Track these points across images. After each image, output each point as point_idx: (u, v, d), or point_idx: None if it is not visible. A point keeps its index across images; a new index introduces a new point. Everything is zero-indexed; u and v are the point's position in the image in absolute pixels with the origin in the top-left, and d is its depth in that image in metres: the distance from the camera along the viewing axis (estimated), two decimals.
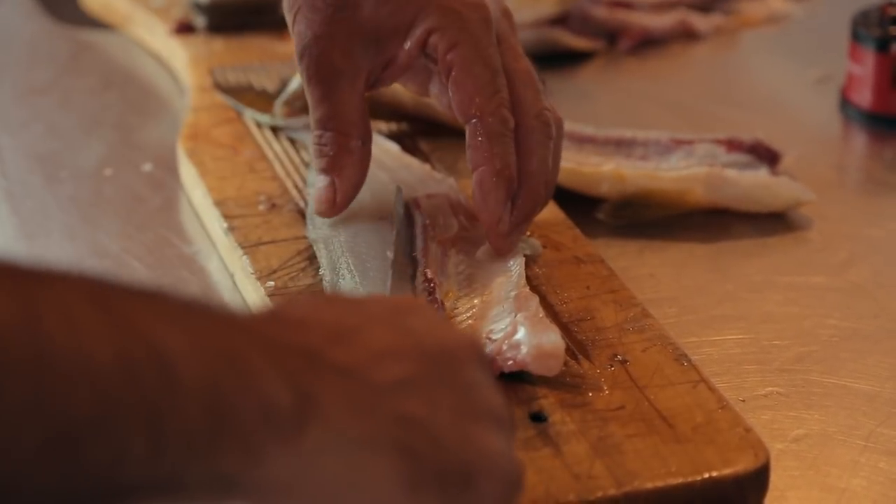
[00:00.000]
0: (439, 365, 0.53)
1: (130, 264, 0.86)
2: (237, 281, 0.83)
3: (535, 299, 0.73)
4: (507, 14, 0.79)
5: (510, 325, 0.71)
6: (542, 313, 0.72)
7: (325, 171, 0.78)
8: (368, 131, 0.78)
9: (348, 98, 0.77)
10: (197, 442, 0.46)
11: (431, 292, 0.73)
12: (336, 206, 0.79)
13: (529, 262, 0.79)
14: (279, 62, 1.04)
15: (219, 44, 1.09)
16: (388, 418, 0.50)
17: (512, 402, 0.69)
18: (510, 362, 0.69)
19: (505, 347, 0.70)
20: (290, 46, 1.08)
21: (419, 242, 0.78)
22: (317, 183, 0.79)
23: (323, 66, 0.77)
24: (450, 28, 0.75)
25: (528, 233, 0.81)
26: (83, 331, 0.44)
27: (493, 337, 0.71)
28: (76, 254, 0.87)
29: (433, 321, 0.56)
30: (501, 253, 0.77)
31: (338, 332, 0.51)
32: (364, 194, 0.82)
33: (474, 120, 0.75)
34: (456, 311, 0.74)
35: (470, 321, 0.73)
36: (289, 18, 0.78)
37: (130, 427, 0.44)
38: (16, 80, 1.12)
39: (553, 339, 0.69)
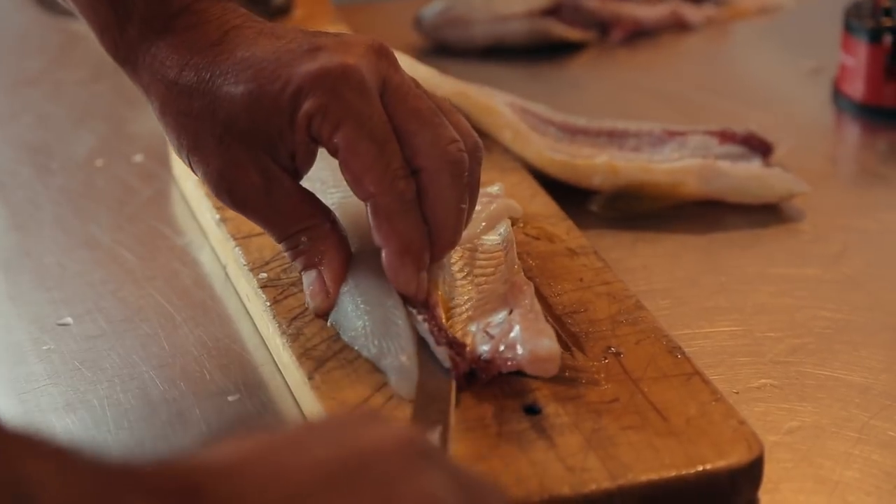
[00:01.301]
0: (343, 471, 0.49)
1: (122, 255, 0.86)
2: (229, 272, 0.83)
3: (531, 289, 0.73)
4: (383, 54, 0.73)
5: (506, 321, 0.71)
6: (537, 306, 0.72)
7: (306, 267, 0.75)
8: (325, 209, 0.75)
9: (285, 202, 0.74)
10: None
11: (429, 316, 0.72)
12: (330, 296, 0.74)
13: (522, 254, 0.79)
14: None
15: None
16: None
17: (505, 394, 0.69)
18: (508, 363, 0.69)
19: (502, 348, 0.70)
20: None
21: None
22: (304, 282, 0.75)
23: (247, 191, 0.73)
24: (328, 108, 0.71)
25: (499, 190, 0.81)
26: None
27: (491, 331, 0.71)
28: (67, 245, 0.87)
29: (358, 428, 0.52)
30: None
31: (229, 464, 0.49)
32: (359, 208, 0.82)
33: (371, 200, 0.72)
34: (453, 301, 0.74)
35: (468, 313, 0.73)
36: (186, 163, 0.75)
37: None
38: (6, 71, 1.11)
39: (547, 344, 0.69)
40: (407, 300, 0.73)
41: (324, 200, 0.81)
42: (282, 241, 0.75)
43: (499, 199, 0.81)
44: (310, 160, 0.74)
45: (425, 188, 0.72)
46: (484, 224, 0.79)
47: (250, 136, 0.72)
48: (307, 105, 0.71)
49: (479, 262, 0.77)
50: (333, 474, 0.49)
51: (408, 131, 0.72)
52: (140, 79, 0.75)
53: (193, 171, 0.75)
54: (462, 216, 0.73)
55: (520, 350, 0.69)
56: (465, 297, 0.74)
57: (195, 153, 0.73)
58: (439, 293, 0.74)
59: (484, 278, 0.75)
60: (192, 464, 0.50)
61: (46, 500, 0.44)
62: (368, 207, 0.72)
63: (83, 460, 0.47)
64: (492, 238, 0.78)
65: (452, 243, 0.74)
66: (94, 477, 0.46)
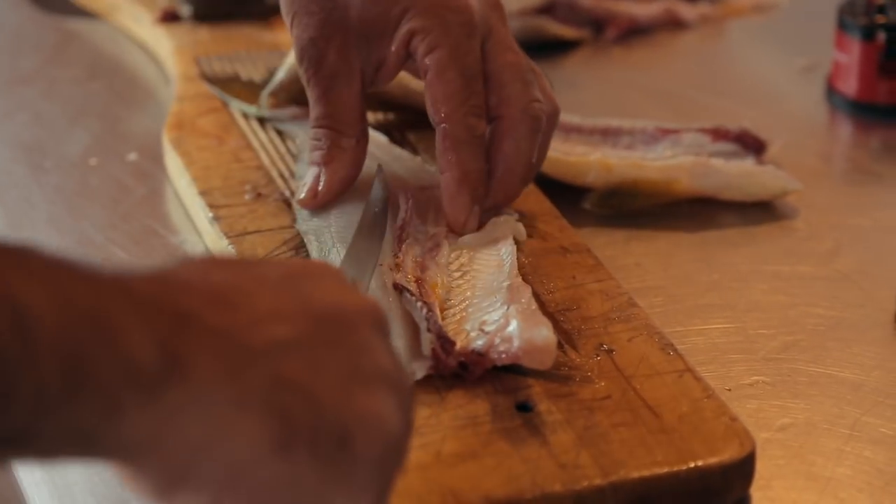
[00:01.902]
0: (327, 327, 0.53)
1: (115, 254, 0.86)
2: None
3: (528, 290, 0.73)
4: (495, 6, 0.80)
5: (503, 317, 0.71)
6: (534, 305, 0.72)
7: (315, 163, 0.80)
8: (364, 131, 0.81)
9: (345, 98, 0.79)
10: (52, 398, 0.45)
11: (413, 292, 0.73)
12: (318, 198, 0.80)
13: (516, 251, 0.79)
14: (265, 51, 1.04)
15: (204, 33, 1.08)
16: (261, 379, 0.50)
17: (497, 391, 0.69)
18: (502, 356, 0.69)
19: (497, 341, 0.70)
20: (275, 35, 1.08)
21: (396, 231, 0.78)
22: (306, 175, 0.81)
23: (320, 67, 0.79)
24: (431, 31, 0.77)
25: (516, 217, 0.81)
26: None
27: (486, 329, 0.71)
28: (61, 244, 0.87)
29: (331, 284, 0.55)
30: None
31: (220, 295, 0.51)
32: (355, 184, 0.82)
33: (443, 125, 0.77)
34: (449, 302, 0.74)
35: (463, 313, 0.73)
36: (287, 22, 0.80)
37: None
38: (1, 70, 1.11)
39: (545, 333, 0.69)
40: (407, 288, 0.73)
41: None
42: (314, 126, 0.80)
43: (510, 220, 0.80)
44: (393, 73, 0.80)
45: (502, 134, 0.78)
46: (489, 235, 0.79)
47: (354, 26, 0.78)
48: (413, 22, 0.77)
49: (476, 267, 0.77)
50: (320, 327, 0.53)
51: (499, 80, 0.78)
52: None
53: (290, 30, 0.80)
54: (529, 170, 0.79)
55: (516, 342, 0.69)
56: (460, 298, 0.74)
57: (301, 17, 0.79)
58: (437, 291, 0.74)
59: (481, 283, 0.75)
60: (182, 282, 0.52)
61: (39, 320, 0.45)
62: (437, 133, 0.78)
63: (75, 273, 0.47)
64: (493, 249, 0.78)
65: (515, 193, 0.80)
66: (86, 291, 0.47)
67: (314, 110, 0.80)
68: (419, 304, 0.71)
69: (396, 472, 0.55)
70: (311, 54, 0.79)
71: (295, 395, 0.51)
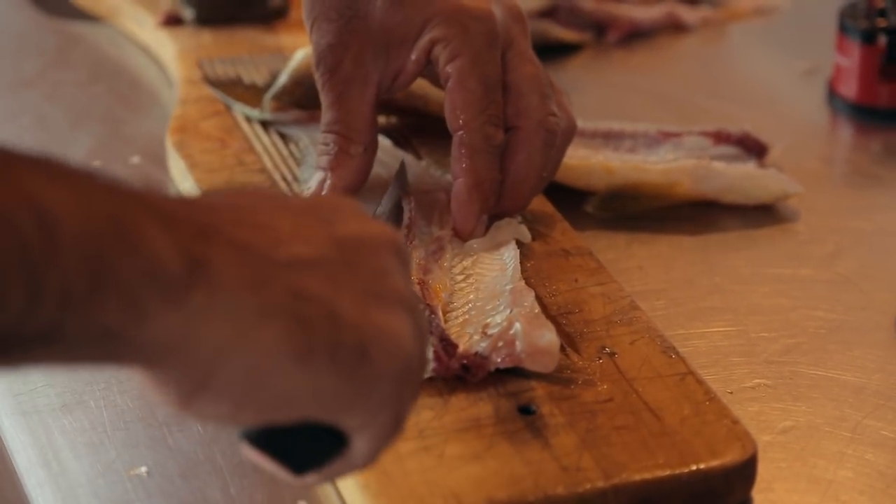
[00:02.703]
0: (348, 249, 0.54)
1: None
2: None
3: (532, 294, 0.73)
4: (517, 18, 0.81)
5: (506, 320, 0.71)
6: (537, 309, 0.72)
7: (321, 168, 0.81)
8: (374, 140, 0.81)
9: (357, 105, 0.80)
10: (77, 296, 0.47)
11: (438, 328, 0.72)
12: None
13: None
14: (267, 54, 1.04)
15: (207, 36, 1.08)
16: (282, 290, 0.51)
17: (500, 394, 0.69)
18: (505, 359, 0.69)
19: (500, 344, 0.70)
20: (278, 39, 1.08)
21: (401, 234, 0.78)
22: (310, 179, 0.81)
23: (335, 73, 0.80)
24: (453, 40, 0.78)
25: (519, 220, 0.81)
26: None
27: (489, 332, 0.71)
28: None
29: (353, 214, 0.56)
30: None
31: (244, 216, 0.53)
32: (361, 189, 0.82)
33: (460, 132, 0.78)
34: (451, 305, 0.74)
35: (466, 316, 0.73)
36: (307, 26, 0.81)
37: (5, 277, 0.45)
38: (4, 73, 1.11)
39: (548, 337, 0.69)
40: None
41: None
42: (324, 131, 0.81)
43: (513, 222, 0.81)
44: (410, 81, 0.81)
45: (516, 145, 0.79)
46: (493, 238, 0.79)
47: (374, 33, 0.79)
48: (436, 31, 0.78)
49: (479, 270, 0.77)
50: (339, 250, 0.54)
51: (517, 91, 0.79)
52: None
53: (310, 36, 0.81)
54: (540, 183, 0.80)
55: (518, 345, 0.69)
56: (463, 301, 0.74)
57: (320, 23, 0.80)
58: (440, 295, 0.74)
59: (484, 286, 0.75)
60: (206, 203, 0.53)
61: (65, 222, 0.46)
62: (454, 140, 0.79)
63: (99, 183, 0.48)
64: (496, 252, 0.78)
65: (524, 204, 0.81)
66: (110, 200, 0.48)
67: (325, 115, 0.81)
68: (421, 306, 0.71)
69: (413, 396, 0.55)
70: (328, 60, 0.80)
71: (315, 307, 0.52)
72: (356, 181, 0.81)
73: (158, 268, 0.48)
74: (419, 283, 0.74)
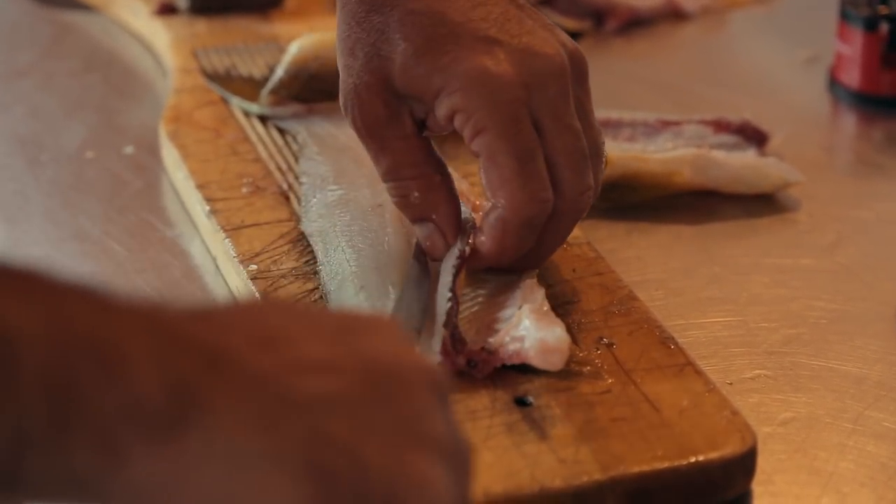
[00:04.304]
0: (380, 385, 0.48)
1: (112, 248, 0.85)
2: (219, 264, 0.82)
3: (542, 291, 0.72)
4: (558, 74, 0.70)
5: (514, 316, 0.70)
6: (547, 306, 0.71)
7: (419, 219, 0.73)
8: (440, 162, 0.74)
9: (404, 143, 0.72)
10: (38, 434, 0.41)
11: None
12: (448, 244, 0.73)
13: None
14: (263, 44, 1.04)
15: (201, 25, 1.08)
16: (301, 433, 0.45)
17: (497, 385, 0.68)
18: (512, 355, 0.69)
19: (508, 339, 0.69)
20: (273, 28, 1.08)
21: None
22: (417, 231, 0.74)
23: (368, 116, 0.72)
24: (475, 112, 0.69)
25: None
26: None
27: (497, 327, 0.70)
28: (57, 237, 0.87)
29: (389, 342, 0.51)
30: None
31: (264, 337, 0.47)
32: (360, 180, 0.81)
33: (499, 208, 0.70)
34: (462, 297, 0.73)
35: (475, 309, 0.72)
36: (339, 61, 0.74)
37: None
38: None
39: (557, 334, 0.69)
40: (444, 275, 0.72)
41: (324, 198, 0.80)
42: (388, 179, 0.73)
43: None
44: (440, 132, 0.73)
45: (547, 222, 0.71)
46: None
47: (395, 79, 0.71)
48: (455, 99, 0.69)
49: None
50: (370, 384, 0.48)
51: (553, 163, 0.70)
52: None
53: (339, 71, 0.73)
54: (549, 255, 0.75)
55: (527, 341, 0.68)
56: (473, 294, 0.73)
57: (344, 58, 0.72)
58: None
59: (495, 280, 0.74)
60: (225, 320, 0.47)
61: (28, 347, 0.41)
62: (492, 209, 0.71)
63: (86, 301, 0.43)
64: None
65: (536, 267, 0.74)
66: (95, 320, 0.42)
67: (380, 165, 0.73)
68: (450, 294, 0.70)
69: None
70: (356, 103, 0.72)
71: (338, 454, 0.46)
72: (457, 203, 0.73)
73: (139, 402, 0.42)
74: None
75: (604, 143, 0.74)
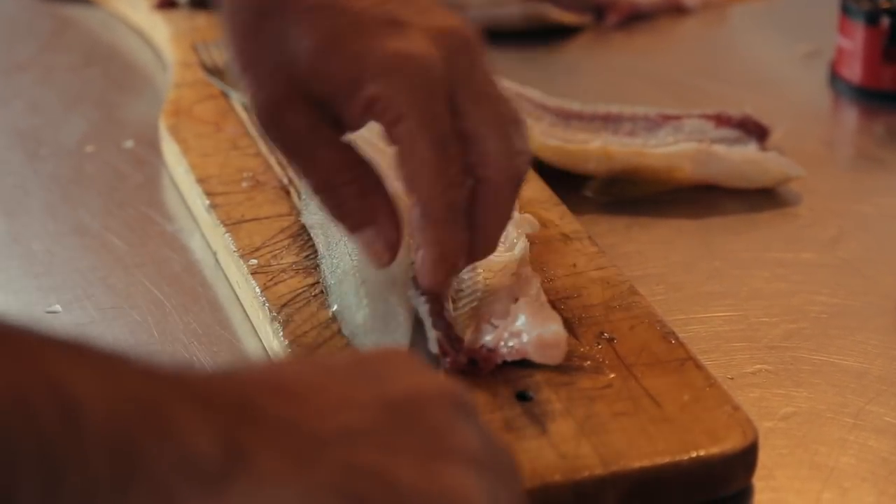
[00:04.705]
0: (401, 411, 0.50)
1: (111, 242, 0.85)
2: (220, 259, 0.82)
3: (537, 281, 0.72)
4: (465, 43, 0.68)
5: (511, 311, 0.70)
6: (543, 297, 0.71)
7: (358, 226, 0.70)
8: (370, 163, 0.70)
9: (331, 149, 0.69)
10: (102, 488, 0.43)
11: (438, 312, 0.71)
12: (394, 248, 0.70)
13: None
14: None
15: (201, 19, 1.07)
16: (333, 468, 0.47)
17: (497, 380, 0.68)
18: (512, 351, 0.68)
19: (506, 336, 0.69)
20: None
21: None
22: (359, 241, 0.71)
23: (289, 129, 0.68)
24: (394, 98, 0.66)
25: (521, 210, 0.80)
26: None
27: (494, 322, 0.70)
28: (56, 231, 0.87)
29: (405, 371, 0.52)
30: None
31: (286, 387, 0.49)
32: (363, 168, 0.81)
33: (419, 202, 0.68)
34: (460, 293, 0.73)
35: (473, 304, 0.72)
36: (238, 77, 0.70)
37: (21, 469, 0.41)
38: None
39: (554, 329, 0.68)
40: (414, 282, 0.71)
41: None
42: (318, 192, 0.69)
43: (523, 217, 0.79)
44: (357, 127, 0.69)
45: (482, 197, 0.68)
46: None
47: (307, 81, 0.67)
48: (371, 89, 0.66)
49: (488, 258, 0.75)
50: (390, 413, 0.50)
51: (476, 138, 0.68)
52: None
53: (244, 90, 0.69)
54: (505, 228, 0.71)
55: (525, 337, 0.68)
56: (471, 290, 0.73)
57: (249, 72, 0.68)
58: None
59: (491, 273, 0.74)
60: (245, 378, 0.50)
61: (90, 410, 0.43)
62: (413, 210, 0.68)
63: (130, 367, 0.46)
64: (504, 242, 0.77)
65: (491, 252, 0.71)
66: (141, 384, 0.45)
67: (307, 182, 0.70)
68: (423, 299, 0.70)
69: None
70: (272, 120, 0.68)
71: (371, 480, 0.48)
72: (394, 210, 0.70)
73: (193, 457, 0.45)
74: None
75: (517, 109, 0.70)
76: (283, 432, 0.47)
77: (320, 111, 0.68)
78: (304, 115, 0.68)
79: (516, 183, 0.69)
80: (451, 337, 0.69)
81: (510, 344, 0.69)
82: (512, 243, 0.76)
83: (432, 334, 0.69)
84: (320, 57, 0.67)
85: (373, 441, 0.49)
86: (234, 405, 0.47)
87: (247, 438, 0.46)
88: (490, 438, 0.52)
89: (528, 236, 0.79)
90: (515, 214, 0.78)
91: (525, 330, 0.69)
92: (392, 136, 0.67)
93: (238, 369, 0.51)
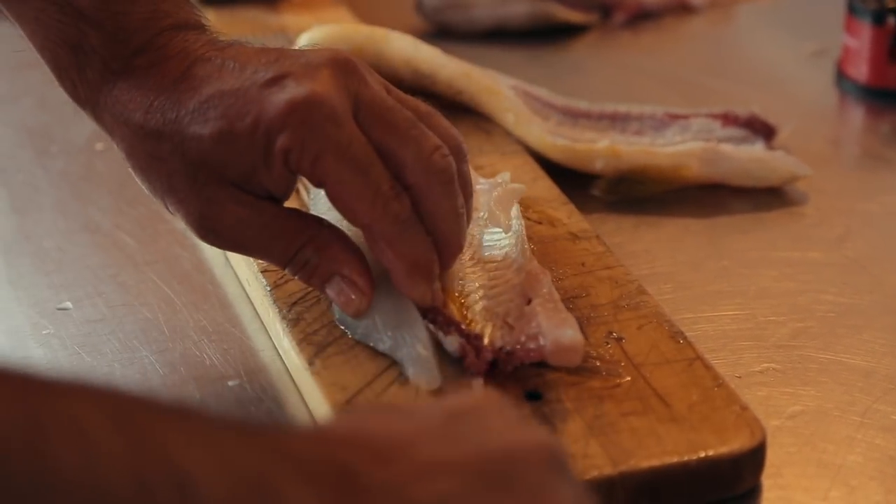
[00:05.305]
0: (495, 473, 0.50)
1: (122, 239, 0.86)
2: (229, 256, 0.82)
3: (547, 278, 0.72)
4: (349, 69, 0.69)
5: (526, 312, 0.70)
6: (556, 295, 0.71)
7: (325, 279, 0.71)
8: (318, 219, 0.72)
9: (276, 225, 0.70)
10: None
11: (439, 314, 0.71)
12: (366, 294, 0.71)
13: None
14: (271, 35, 1.04)
15: (210, 16, 1.07)
16: None
17: (507, 379, 0.68)
18: (531, 354, 0.69)
19: (524, 338, 0.69)
20: (281, 18, 1.07)
21: None
22: (329, 293, 0.71)
23: (229, 232, 0.70)
24: (305, 142, 0.67)
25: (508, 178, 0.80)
26: (94, 447, 0.42)
27: (511, 322, 0.70)
28: (67, 229, 0.87)
29: (497, 423, 0.52)
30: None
31: (382, 448, 0.49)
32: None
33: (368, 229, 0.69)
34: (465, 289, 0.73)
35: (483, 302, 0.72)
36: (161, 204, 0.72)
37: None
38: (6, 54, 1.10)
39: (570, 334, 0.69)
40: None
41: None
42: (286, 264, 0.71)
43: (501, 185, 0.80)
44: (288, 191, 0.70)
45: (419, 202, 0.69)
46: (487, 214, 0.78)
47: (224, 173, 0.69)
48: (281, 141, 0.67)
49: (486, 247, 0.76)
50: (486, 475, 0.49)
51: (389, 148, 0.68)
52: (103, 121, 0.73)
53: (172, 213, 0.71)
54: (462, 220, 0.71)
55: (542, 341, 0.69)
56: (477, 285, 0.73)
57: (170, 196, 0.70)
58: (454, 284, 0.73)
59: (494, 264, 0.74)
60: (337, 439, 0.50)
61: (206, 492, 0.44)
62: (365, 235, 0.69)
63: (235, 440, 0.46)
64: (497, 226, 0.77)
65: (459, 249, 0.72)
66: (247, 457, 0.46)
67: (273, 260, 0.72)
68: (430, 317, 0.71)
69: None
70: (212, 225, 0.70)
71: None
72: (357, 249, 0.71)
73: None
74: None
75: (418, 103, 0.72)
76: (383, 498, 0.47)
77: (250, 192, 0.69)
78: (239, 204, 0.69)
79: (445, 178, 0.69)
80: (470, 339, 0.69)
81: (529, 346, 0.69)
82: (507, 225, 0.76)
83: (448, 341, 0.69)
84: (223, 148, 0.68)
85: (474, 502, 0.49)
86: (334, 472, 0.47)
87: None
88: (583, 493, 0.52)
89: (534, 236, 0.79)
90: (491, 187, 0.78)
91: (541, 332, 0.69)
92: (316, 177, 0.68)
93: (332, 427, 0.51)
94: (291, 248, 0.70)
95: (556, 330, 0.69)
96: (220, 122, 0.69)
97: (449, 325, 0.70)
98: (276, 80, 0.68)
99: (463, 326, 0.70)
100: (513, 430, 0.52)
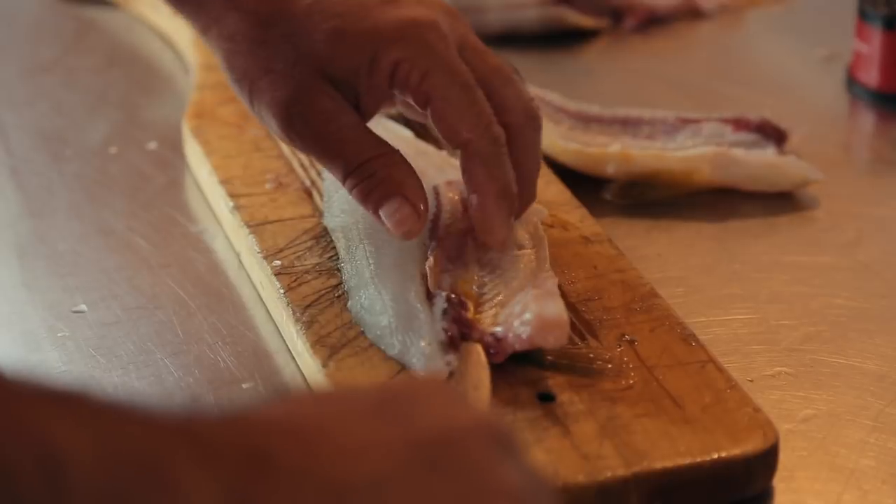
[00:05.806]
0: (432, 452, 0.46)
1: (136, 243, 0.86)
2: (243, 260, 0.83)
3: (555, 280, 0.73)
4: (453, 15, 0.75)
5: (520, 303, 0.70)
6: (556, 290, 0.71)
7: (384, 198, 0.73)
8: (390, 144, 0.74)
9: (356, 130, 0.74)
10: None
11: (456, 308, 0.71)
12: (421, 217, 0.73)
13: None
14: None
15: None
16: None
17: (519, 381, 0.69)
18: (521, 337, 0.69)
19: (516, 324, 0.69)
20: None
21: (436, 235, 0.77)
22: (384, 212, 0.73)
23: (317, 117, 0.73)
24: (417, 57, 0.72)
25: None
26: None
27: (508, 314, 0.71)
28: (82, 232, 0.87)
29: (436, 403, 0.49)
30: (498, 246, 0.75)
31: (305, 430, 0.46)
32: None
33: (468, 145, 0.72)
34: (483, 297, 0.73)
35: (497, 307, 0.72)
36: (244, 91, 0.74)
37: None
38: (21, 58, 1.11)
39: (553, 308, 0.69)
40: (431, 295, 0.72)
41: (346, 193, 0.79)
42: (350, 173, 0.73)
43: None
44: (377, 107, 0.75)
45: (512, 141, 0.74)
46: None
47: (326, 68, 0.73)
48: (395, 53, 0.72)
49: (507, 259, 0.76)
50: (415, 455, 0.46)
51: (492, 86, 0.74)
52: (208, 11, 0.76)
53: (253, 102, 0.74)
54: (538, 173, 0.76)
55: (527, 316, 0.69)
56: (494, 293, 0.73)
57: (266, 76, 0.73)
58: (472, 290, 0.74)
59: (513, 273, 0.74)
60: (257, 421, 0.46)
61: (79, 474, 0.40)
62: (461, 154, 0.73)
63: (130, 419, 0.43)
64: (521, 237, 0.77)
65: (533, 197, 0.76)
66: (140, 437, 0.42)
67: (338, 165, 0.73)
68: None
69: None
70: (299, 110, 0.73)
71: None
72: (419, 182, 0.74)
73: None
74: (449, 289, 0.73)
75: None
76: (298, 484, 0.44)
77: (343, 95, 0.73)
78: (330, 98, 0.73)
79: (537, 124, 0.75)
80: (496, 339, 0.69)
81: (518, 332, 0.69)
82: (529, 243, 0.76)
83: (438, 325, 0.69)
84: (334, 43, 0.73)
85: (406, 489, 0.45)
86: (242, 455, 0.43)
87: (256, 493, 0.43)
88: (532, 473, 0.49)
89: (547, 239, 0.79)
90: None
91: (528, 312, 0.69)
92: (422, 93, 0.72)
93: (250, 411, 0.47)
94: (363, 155, 0.73)
95: (540, 306, 0.69)
96: (336, 20, 0.73)
97: (455, 323, 0.70)
98: (392, 2, 0.74)
99: (462, 315, 0.70)
100: (451, 409, 0.49)
